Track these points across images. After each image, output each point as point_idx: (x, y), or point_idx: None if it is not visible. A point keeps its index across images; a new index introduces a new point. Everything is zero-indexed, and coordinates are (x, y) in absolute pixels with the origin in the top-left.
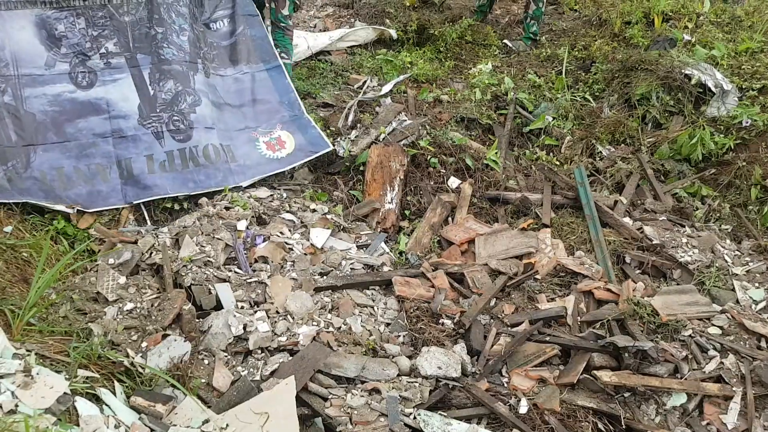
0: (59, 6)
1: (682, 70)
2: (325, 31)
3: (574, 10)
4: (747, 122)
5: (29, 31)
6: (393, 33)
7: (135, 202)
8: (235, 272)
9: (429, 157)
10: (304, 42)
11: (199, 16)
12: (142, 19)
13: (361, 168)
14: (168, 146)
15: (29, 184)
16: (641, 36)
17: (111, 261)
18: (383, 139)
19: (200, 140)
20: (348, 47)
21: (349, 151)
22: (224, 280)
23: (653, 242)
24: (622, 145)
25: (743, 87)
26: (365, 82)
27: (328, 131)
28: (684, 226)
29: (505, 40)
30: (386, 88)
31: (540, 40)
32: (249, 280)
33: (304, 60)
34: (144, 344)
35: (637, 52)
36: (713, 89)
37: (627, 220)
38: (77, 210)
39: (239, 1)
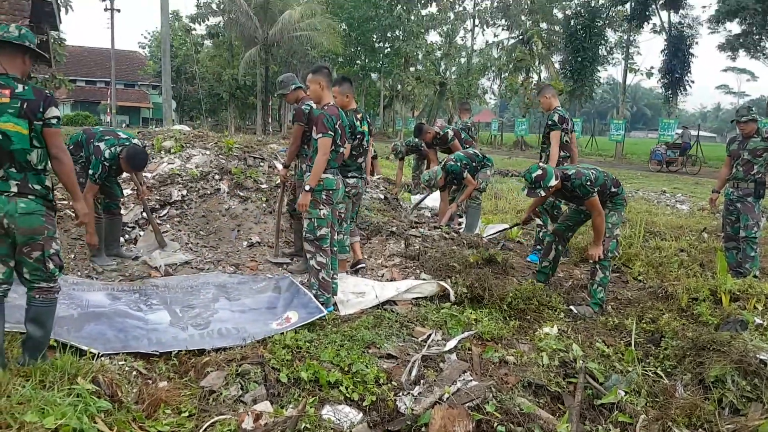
0: (122, 289)
1: (757, 355)
2: (392, 281)
3: (638, 280)
4: None
5: (101, 294)
6: (451, 295)
7: (159, 351)
8: None
9: (496, 424)
10: (372, 291)
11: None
12: (178, 294)
13: (423, 429)
14: (190, 332)
15: (74, 339)
16: (710, 314)
17: None
18: (447, 399)
19: (215, 326)
20: (413, 299)
21: (412, 410)
22: None
23: None
24: (700, 430)
25: None
26: (430, 335)
27: (390, 384)
28: None
29: (571, 306)
30: (451, 344)
31: (606, 308)
32: None
33: (370, 309)
34: None
35: (707, 331)
36: None
37: None
38: None
39: None
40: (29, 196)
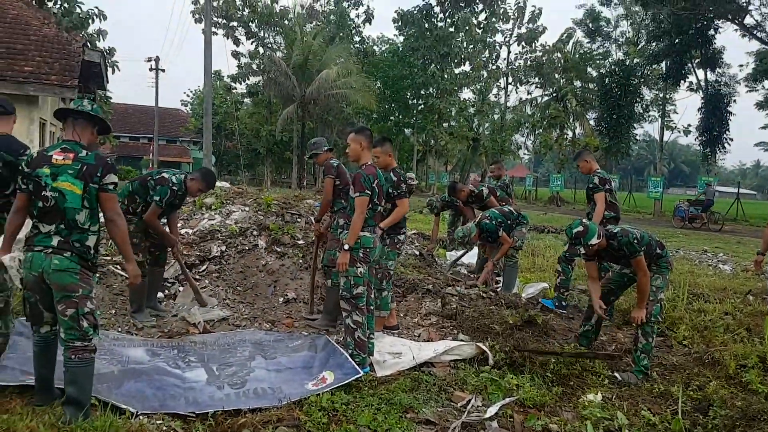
0: (162, 345)
1: None
2: (429, 341)
3: (684, 345)
4: None
5: (141, 350)
6: (490, 358)
7: (196, 412)
8: None
9: None
10: (409, 351)
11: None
12: (215, 351)
13: None
14: (226, 391)
15: (114, 396)
16: (759, 382)
17: None
18: None
19: (251, 386)
20: (451, 360)
21: None
22: None
23: None
24: None
25: None
26: (469, 401)
27: None
28: None
29: (615, 373)
30: (491, 411)
31: (651, 374)
32: None
33: (407, 370)
34: None
35: (758, 400)
36: None
37: None
38: None
39: None
40: (65, 253)
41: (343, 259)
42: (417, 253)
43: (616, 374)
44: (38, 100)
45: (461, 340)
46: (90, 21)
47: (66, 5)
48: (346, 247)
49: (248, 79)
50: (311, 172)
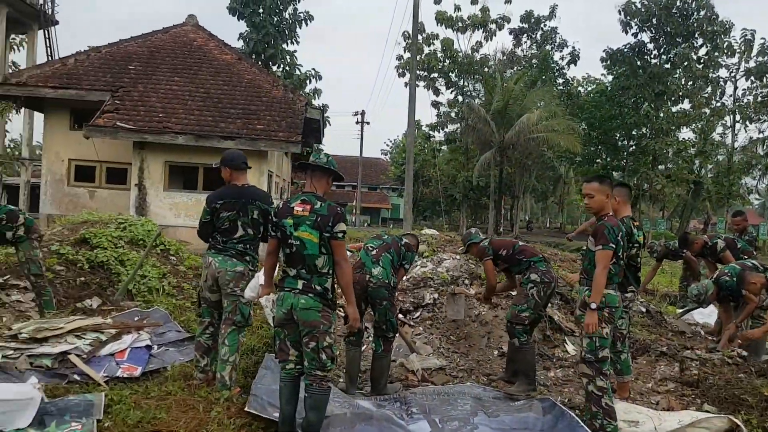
0: (385, 398)
1: None
2: (670, 410)
3: None
4: None
5: (368, 402)
6: None
7: None
8: None
9: None
10: (649, 421)
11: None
12: (436, 403)
13: None
14: None
15: None
16: None
17: None
18: None
19: None
20: None
21: None
22: None
23: None
24: None
25: None
26: None
27: None
28: None
29: None
30: None
31: None
32: None
33: None
34: None
35: None
36: None
37: None
38: None
39: None
40: (309, 294)
41: (590, 319)
42: (643, 310)
43: None
44: (267, 154)
45: (708, 411)
46: (308, 81)
47: (287, 68)
48: (593, 305)
49: (446, 127)
50: (508, 218)
